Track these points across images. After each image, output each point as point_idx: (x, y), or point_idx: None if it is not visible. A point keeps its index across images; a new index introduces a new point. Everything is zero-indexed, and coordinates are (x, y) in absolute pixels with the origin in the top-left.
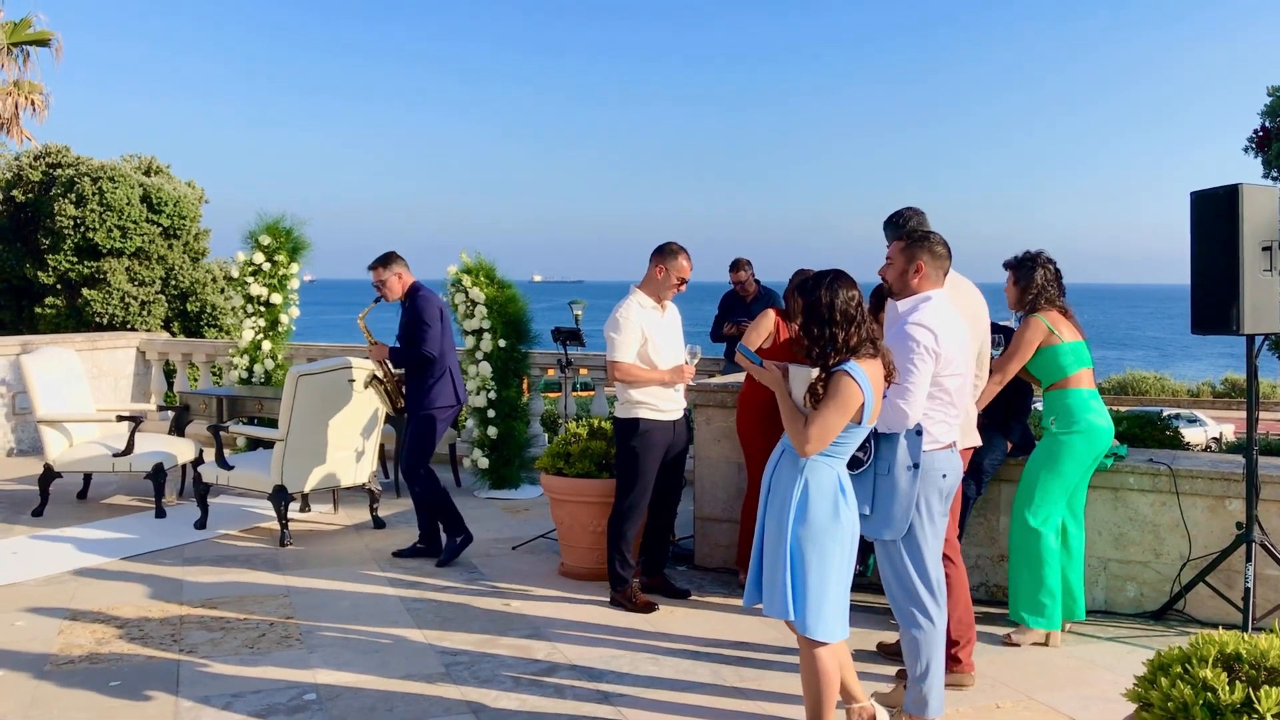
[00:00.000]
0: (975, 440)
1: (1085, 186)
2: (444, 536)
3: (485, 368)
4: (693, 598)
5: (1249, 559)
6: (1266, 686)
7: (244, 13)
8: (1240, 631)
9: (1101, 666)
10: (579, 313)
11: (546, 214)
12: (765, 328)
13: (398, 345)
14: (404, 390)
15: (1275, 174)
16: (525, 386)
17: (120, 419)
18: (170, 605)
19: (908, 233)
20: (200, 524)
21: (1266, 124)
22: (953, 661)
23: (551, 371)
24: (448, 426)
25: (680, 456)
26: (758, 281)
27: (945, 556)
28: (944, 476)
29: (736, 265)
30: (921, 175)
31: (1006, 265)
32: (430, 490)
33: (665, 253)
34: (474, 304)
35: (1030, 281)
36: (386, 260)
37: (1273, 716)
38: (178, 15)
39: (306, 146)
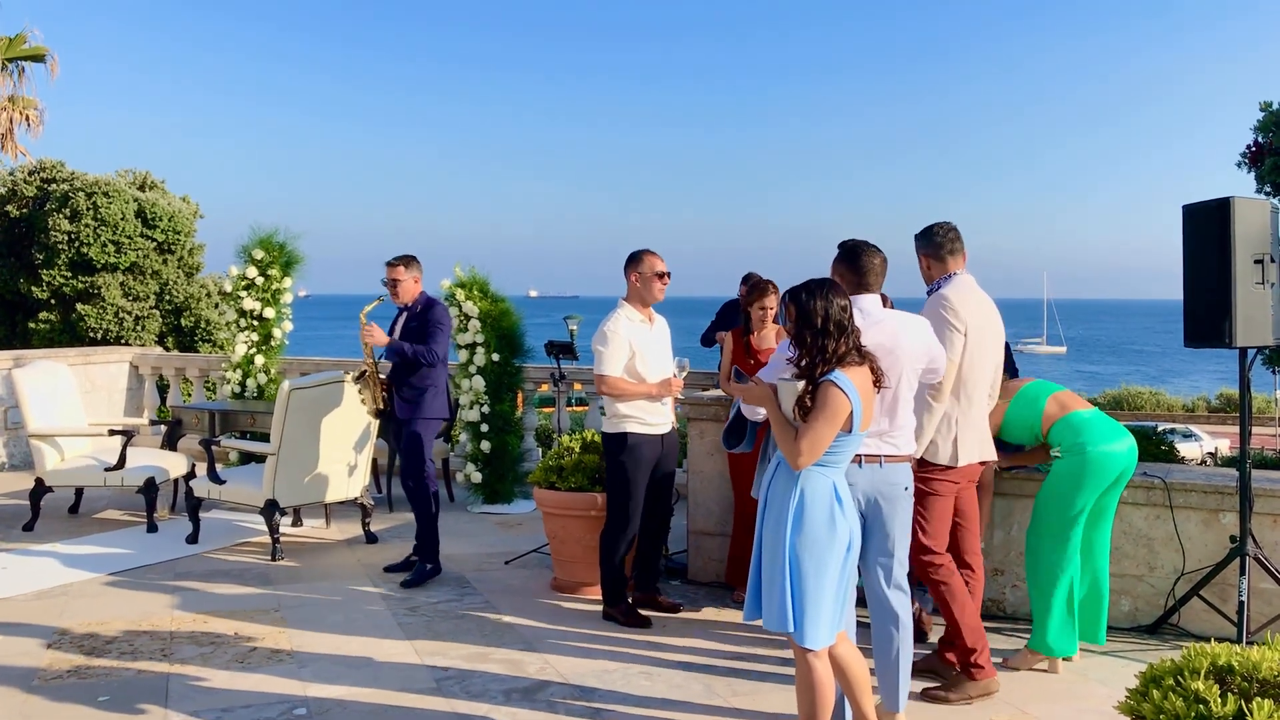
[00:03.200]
0: (990, 454)
1: (1085, 206)
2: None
3: (479, 382)
4: (686, 612)
5: (1243, 572)
6: (1259, 699)
7: (239, 33)
8: (1236, 644)
9: (1095, 680)
10: (574, 328)
11: (543, 230)
12: (728, 347)
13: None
14: (394, 396)
15: (1268, 189)
16: (520, 401)
17: (112, 433)
18: (161, 620)
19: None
20: (192, 539)
21: (1259, 139)
22: (975, 669)
23: (545, 386)
24: (434, 437)
25: (670, 470)
26: None
27: (966, 565)
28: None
29: (749, 279)
30: (922, 193)
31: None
32: (425, 506)
33: (632, 259)
34: (468, 318)
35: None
36: (409, 261)
37: None
38: (173, 33)
39: (302, 163)
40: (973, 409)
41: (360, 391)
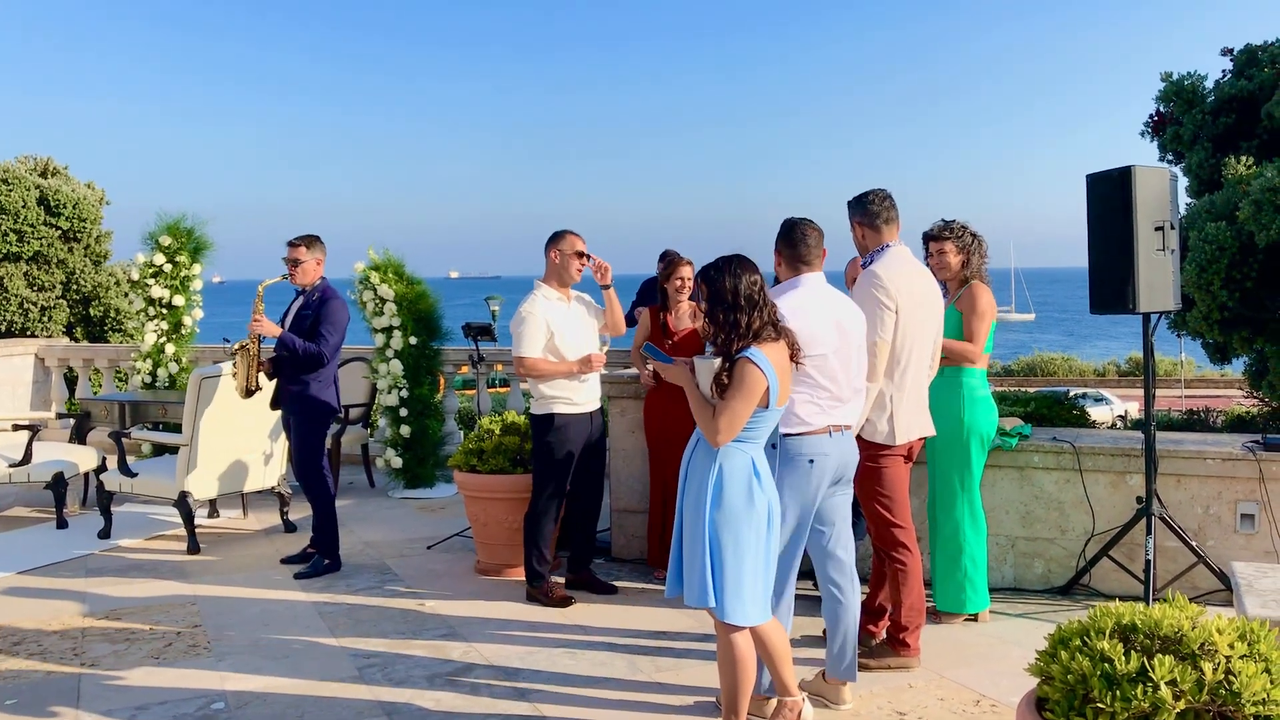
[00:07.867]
0: (929, 430)
1: (989, 173)
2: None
3: (396, 365)
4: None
5: (1149, 532)
6: (1160, 655)
7: (143, 4)
8: (1140, 603)
9: (1011, 642)
10: (495, 309)
11: (462, 211)
12: (644, 323)
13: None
14: (280, 386)
15: (1170, 157)
16: (440, 384)
17: (17, 428)
18: (72, 619)
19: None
20: (104, 533)
21: (1161, 109)
22: (900, 646)
23: (465, 369)
24: (327, 430)
25: (599, 449)
26: None
27: (903, 545)
28: (810, 462)
29: (665, 257)
30: (821, 156)
31: (935, 237)
32: (322, 498)
33: (553, 238)
34: (383, 301)
35: (977, 247)
36: (311, 241)
37: (1166, 684)
38: (69, 10)
39: (212, 146)
40: (908, 385)
41: (234, 368)
